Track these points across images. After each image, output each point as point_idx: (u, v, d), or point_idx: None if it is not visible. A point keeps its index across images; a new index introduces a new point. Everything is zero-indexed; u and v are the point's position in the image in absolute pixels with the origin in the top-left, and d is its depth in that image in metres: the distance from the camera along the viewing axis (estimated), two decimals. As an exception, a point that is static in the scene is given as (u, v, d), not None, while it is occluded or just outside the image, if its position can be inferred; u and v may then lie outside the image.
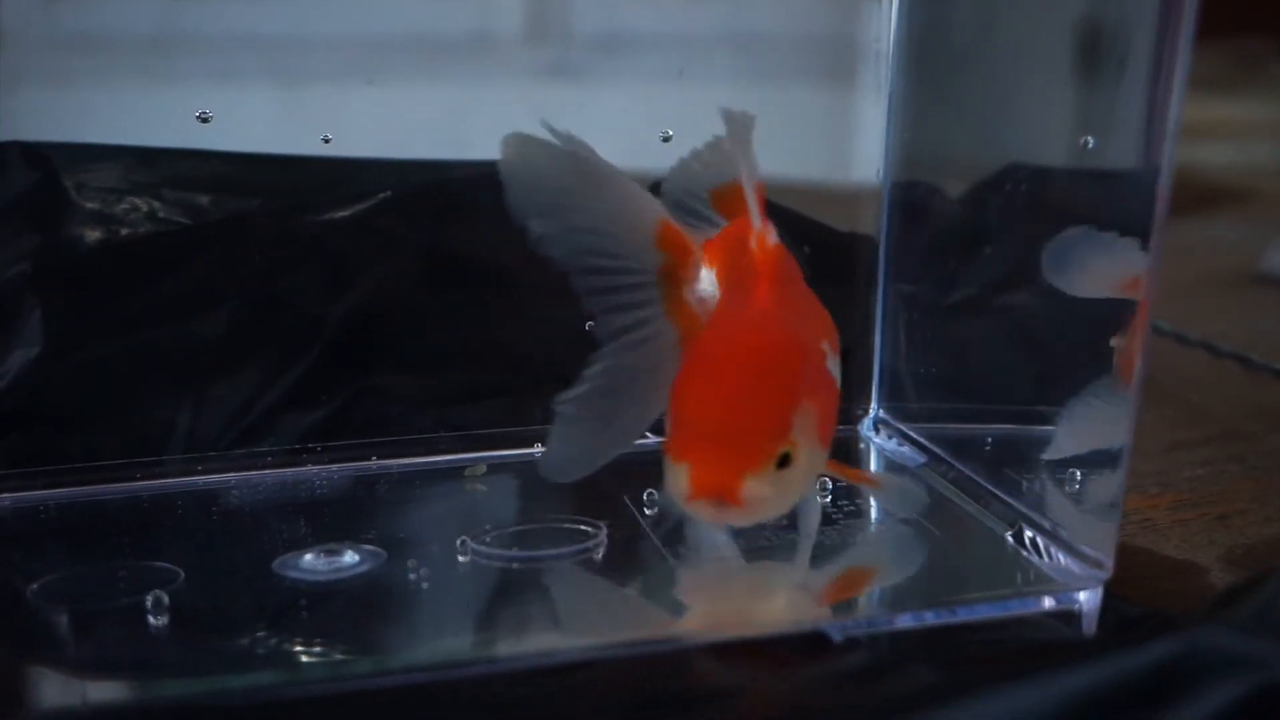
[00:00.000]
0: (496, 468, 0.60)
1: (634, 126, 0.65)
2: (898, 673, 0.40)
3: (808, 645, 0.45)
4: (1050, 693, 0.34)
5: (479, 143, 0.63)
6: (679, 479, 0.43)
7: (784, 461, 0.43)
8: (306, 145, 0.61)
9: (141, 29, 0.63)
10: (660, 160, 0.65)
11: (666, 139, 0.62)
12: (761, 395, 0.43)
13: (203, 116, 0.58)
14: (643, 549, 0.53)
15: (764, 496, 0.43)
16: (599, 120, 0.65)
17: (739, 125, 0.48)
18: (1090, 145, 0.54)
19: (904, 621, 0.46)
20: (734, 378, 0.44)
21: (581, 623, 0.49)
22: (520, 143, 0.48)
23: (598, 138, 0.63)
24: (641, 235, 0.49)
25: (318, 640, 0.46)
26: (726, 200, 0.52)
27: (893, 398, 0.64)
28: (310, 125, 0.61)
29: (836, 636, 0.45)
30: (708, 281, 0.50)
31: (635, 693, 0.42)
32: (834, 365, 0.47)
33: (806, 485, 0.47)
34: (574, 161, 0.49)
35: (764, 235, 0.48)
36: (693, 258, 0.50)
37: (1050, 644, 0.46)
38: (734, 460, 0.42)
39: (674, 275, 0.50)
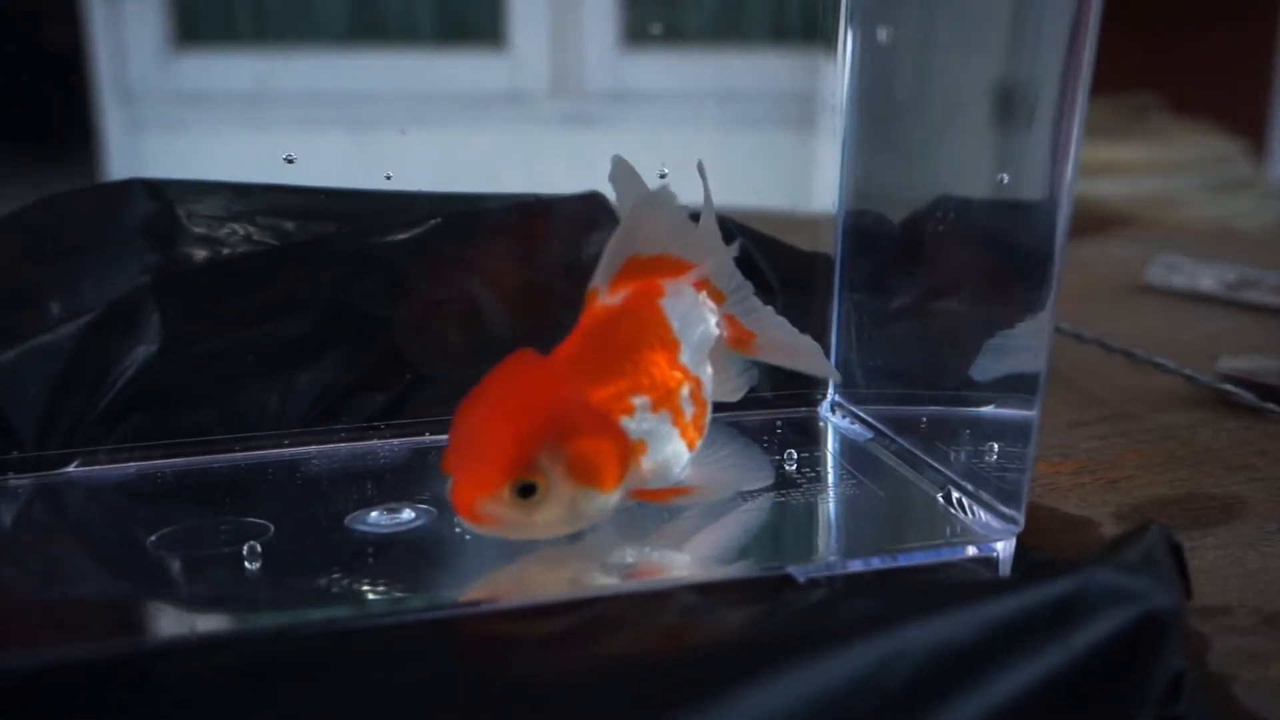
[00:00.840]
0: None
1: (640, 166, 0.65)
2: (849, 604, 0.40)
3: (778, 584, 0.45)
4: (974, 618, 0.34)
5: (512, 178, 0.64)
6: (448, 488, 0.42)
7: (527, 491, 0.41)
8: (372, 181, 0.60)
9: (240, 87, 0.63)
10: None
11: (663, 175, 0.62)
12: (507, 431, 0.42)
13: (289, 158, 0.58)
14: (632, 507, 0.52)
15: (502, 517, 0.42)
16: (607, 160, 0.66)
17: (622, 172, 0.50)
18: (1005, 181, 0.54)
19: (854, 566, 0.46)
20: (492, 413, 0.42)
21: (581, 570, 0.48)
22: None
23: (606, 176, 0.64)
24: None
25: (381, 581, 0.46)
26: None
27: (847, 385, 0.64)
28: (375, 165, 0.60)
29: (800, 577, 0.45)
30: None
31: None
32: (646, 422, 0.45)
33: (578, 517, 0.43)
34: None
35: (595, 295, 0.46)
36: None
37: (973, 582, 0.46)
38: (474, 482, 0.42)
39: None
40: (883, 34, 0.59)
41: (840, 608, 0.40)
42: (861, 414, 0.62)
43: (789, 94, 0.68)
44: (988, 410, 0.54)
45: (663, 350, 0.47)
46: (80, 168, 0.60)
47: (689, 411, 0.47)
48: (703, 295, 0.50)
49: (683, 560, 0.49)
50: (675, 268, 0.49)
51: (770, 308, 0.53)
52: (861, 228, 0.64)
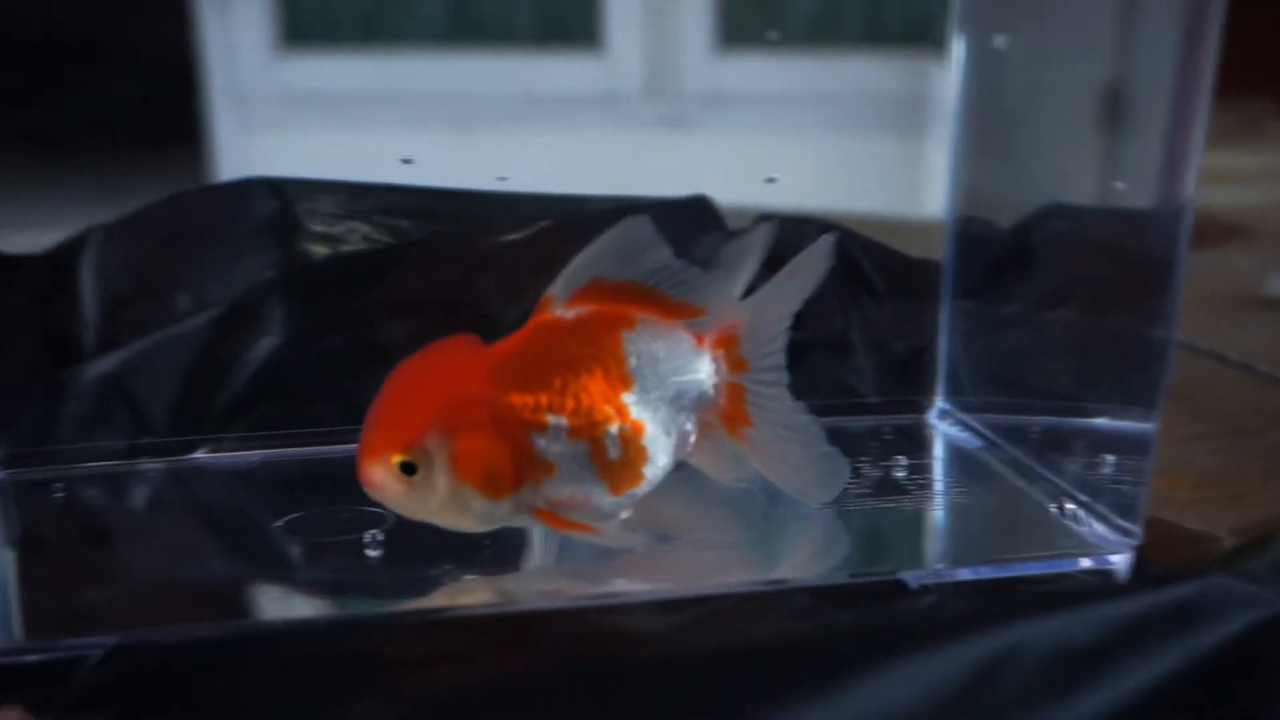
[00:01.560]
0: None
1: (736, 170, 0.66)
2: (964, 604, 0.41)
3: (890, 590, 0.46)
4: (1094, 619, 0.34)
5: (605, 181, 0.65)
6: None
7: (409, 469, 0.42)
8: (471, 181, 0.62)
9: (343, 87, 0.65)
10: (765, 198, 0.66)
11: (771, 180, 0.63)
12: (407, 407, 0.43)
13: (406, 159, 0.60)
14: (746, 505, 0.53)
15: (384, 487, 0.43)
16: (704, 163, 0.67)
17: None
18: (1121, 188, 0.54)
19: (967, 574, 0.47)
20: (404, 386, 0.44)
21: (700, 566, 0.49)
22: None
23: (703, 179, 0.65)
24: None
25: (492, 571, 0.47)
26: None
27: (954, 392, 0.65)
28: (473, 165, 0.62)
29: (913, 583, 0.46)
30: None
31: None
32: (558, 444, 0.44)
33: (463, 511, 0.43)
34: None
35: (548, 302, 0.46)
36: None
37: (1092, 588, 0.46)
38: (366, 447, 0.43)
39: None
40: (1000, 41, 0.60)
41: (955, 607, 0.41)
42: (970, 422, 0.63)
43: (894, 98, 0.68)
44: (1101, 421, 0.55)
45: (603, 380, 0.45)
46: (191, 167, 0.63)
47: (613, 452, 0.45)
48: (706, 349, 0.48)
49: (793, 563, 0.51)
50: (673, 309, 0.47)
51: (804, 413, 0.48)
52: (970, 234, 0.64)
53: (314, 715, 0.35)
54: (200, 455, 0.58)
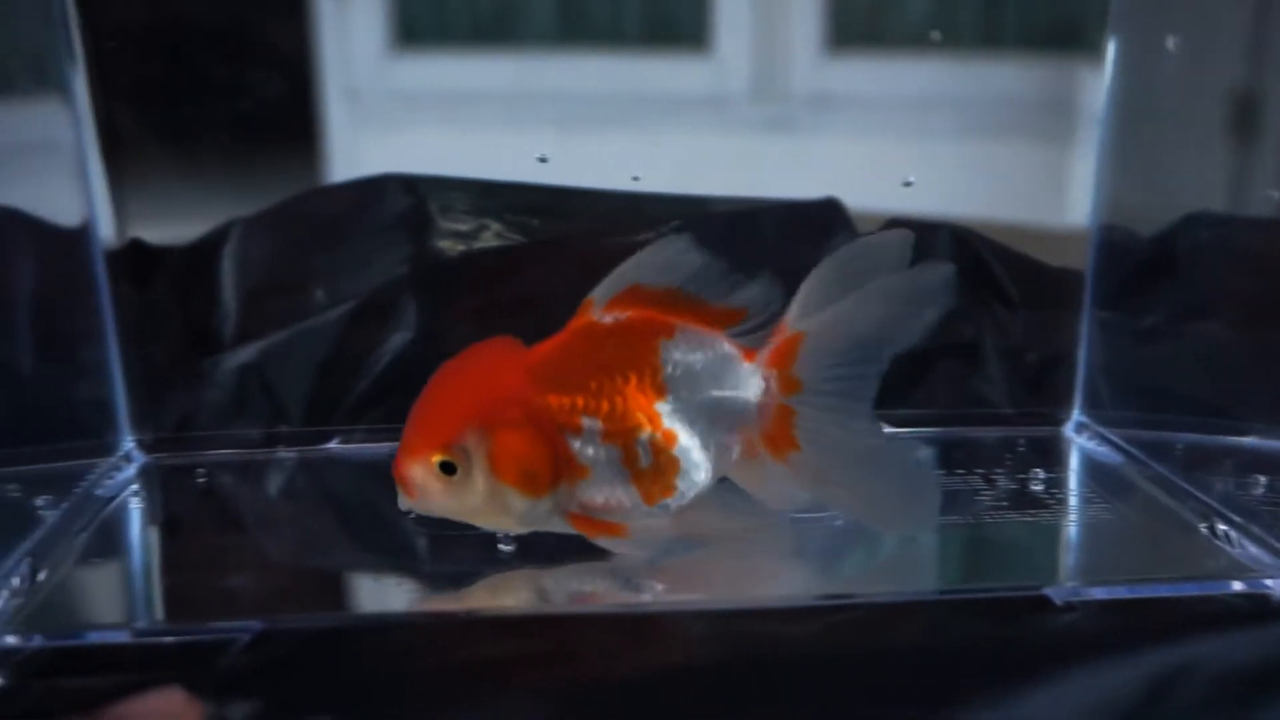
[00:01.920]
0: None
1: (849, 172, 0.65)
2: (1124, 620, 0.40)
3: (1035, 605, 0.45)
4: (1262, 640, 0.33)
5: (711, 182, 0.64)
6: None
7: (448, 469, 0.43)
8: (573, 180, 0.62)
9: (467, 88, 0.66)
10: (897, 203, 0.66)
11: (908, 184, 0.63)
12: (446, 408, 0.43)
13: (542, 158, 0.61)
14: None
15: (423, 487, 0.43)
16: (812, 167, 0.66)
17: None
18: (1277, 197, 0.52)
19: (1115, 592, 0.45)
20: (443, 389, 0.44)
21: (847, 573, 0.49)
22: None
23: (811, 182, 0.64)
24: None
25: (621, 572, 0.47)
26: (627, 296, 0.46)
27: (1092, 405, 0.63)
28: (580, 165, 0.62)
29: (1058, 599, 0.45)
30: None
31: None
32: (592, 447, 0.44)
33: (502, 511, 0.44)
34: None
35: (588, 306, 0.46)
36: None
37: (1249, 612, 0.45)
38: (406, 449, 0.43)
39: None
40: (1171, 43, 0.58)
41: (1113, 624, 0.40)
42: (1109, 436, 0.61)
43: (1026, 101, 0.67)
44: (1251, 440, 0.53)
45: (637, 387, 0.45)
46: (305, 163, 0.64)
47: (644, 459, 0.44)
48: (756, 365, 0.46)
49: (924, 575, 0.50)
50: (717, 317, 0.46)
51: (874, 438, 0.46)
52: (1112, 243, 0.63)
53: (458, 706, 0.35)
54: (333, 445, 0.59)
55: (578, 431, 0.44)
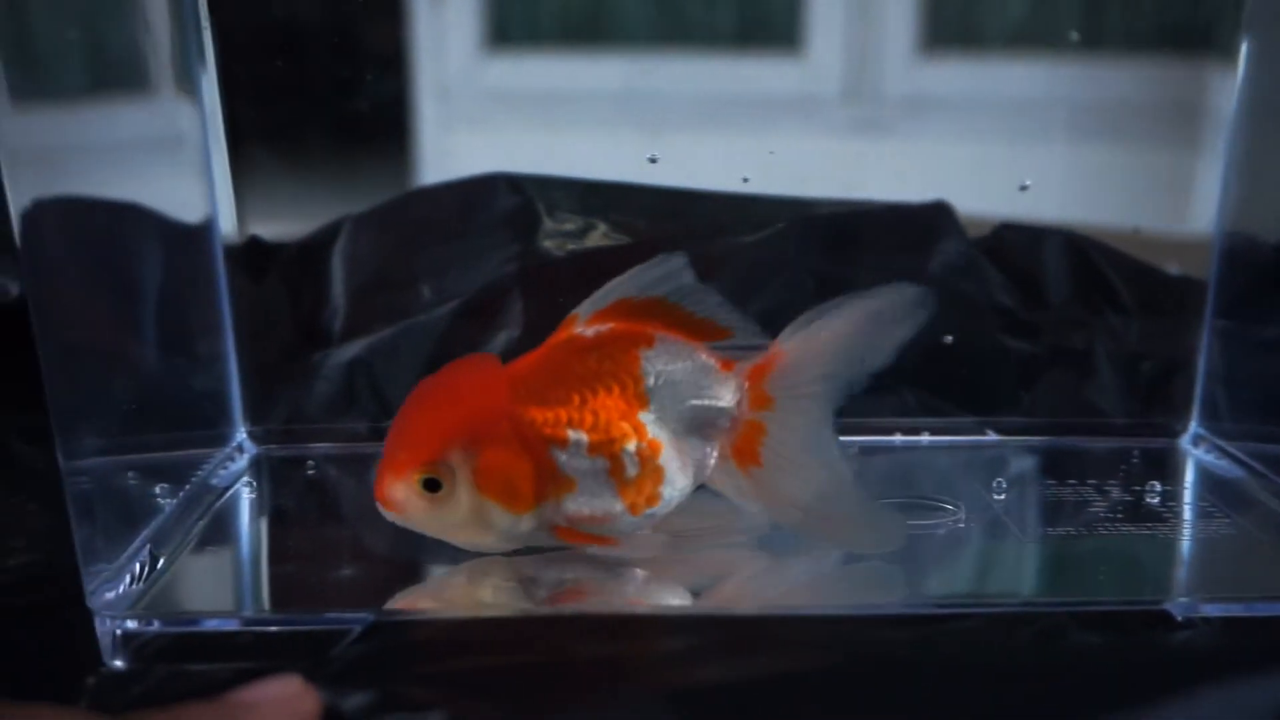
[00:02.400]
0: (865, 451, 0.60)
1: (941, 175, 0.64)
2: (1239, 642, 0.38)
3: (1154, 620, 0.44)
4: None
5: (800, 185, 0.64)
6: None
7: (432, 486, 0.42)
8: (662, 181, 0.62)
9: (557, 88, 0.66)
10: (1006, 207, 0.64)
11: (1024, 188, 0.61)
12: (428, 426, 0.43)
13: (652, 158, 0.61)
14: (997, 526, 0.52)
15: (406, 505, 0.43)
16: (912, 170, 0.65)
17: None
18: None
19: (1240, 609, 0.44)
20: (423, 406, 0.44)
21: (956, 581, 0.49)
22: None
23: (913, 185, 0.63)
24: None
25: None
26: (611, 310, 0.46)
27: (1210, 417, 0.61)
28: (670, 167, 0.61)
29: (1179, 615, 0.44)
30: None
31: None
32: (578, 460, 0.44)
33: (487, 528, 0.44)
34: None
35: (573, 320, 0.46)
36: None
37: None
38: (388, 466, 0.43)
39: None
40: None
41: (1239, 641, 0.39)
42: (1228, 448, 0.59)
43: (1140, 104, 0.65)
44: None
45: (620, 398, 0.45)
46: (398, 163, 0.65)
47: (631, 469, 0.45)
48: (734, 377, 0.46)
49: (1036, 584, 0.49)
50: (700, 329, 0.46)
51: (839, 463, 0.46)
52: (1236, 250, 0.61)
53: (572, 701, 0.35)
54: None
55: (563, 444, 0.44)
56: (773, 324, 0.61)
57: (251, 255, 0.60)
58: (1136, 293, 0.63)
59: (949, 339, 0.62)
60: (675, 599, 0.46)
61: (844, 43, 0.66)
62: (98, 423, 0.45)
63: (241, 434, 0.60)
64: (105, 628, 0.42)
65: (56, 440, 0.41)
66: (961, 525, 0.51)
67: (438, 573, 0.48)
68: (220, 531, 0.52)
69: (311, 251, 0.64)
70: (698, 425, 0.46)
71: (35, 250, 0.40)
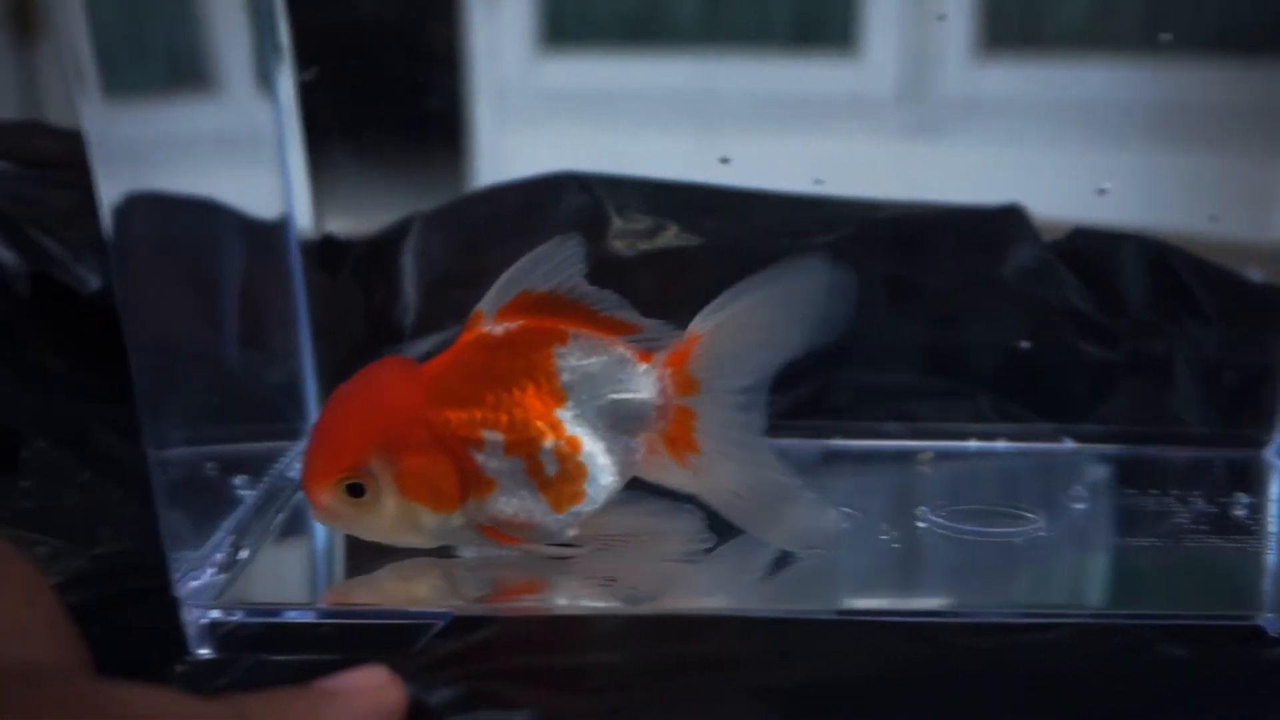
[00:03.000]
0: (941, 456, 0.60)
1: (994, 179, 0.63)
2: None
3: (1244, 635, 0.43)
4: None
5: (853, 186, 0.63)
6: None
7: (355, 490, 0.43)
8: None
9: (612, 88, 0.66)
10: (1082, 212, 0.64)
11: (1102, 191, 0.61)
12: (348, 431, 0.44)
13: (724, 158, 0.60)
14: (1076, 535, 0.52)
15: (332, 510, 0.44)
16: (956, 175, 0.64)
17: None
18: None
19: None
20: (342, 412, 0.45)
21: (1033, 591, 0.48)
22: None
23: (957, 188, 0.62)
24: None
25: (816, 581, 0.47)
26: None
27: (1297, 430, 0.60)
28: (718, 167, 0.61)
29: (1272, 630, 0.43)
30: None
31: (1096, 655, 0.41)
32: (495, 460, 0.44)
33: (416, 529, 0.44)
34: None
35: (478, 317, 0.45)
36: None
37: None
38: (310, 473, 0.44)
39: None
40: None
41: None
42: (1317, 461, 0.58)
43: (1220, 107, 0.64)
44: None
45: (535, 396, 0.44)
46: (450, 163, 0.65)
47: (550, 468, 0.44)
48: (651, 366, 0.45)
49: (1119, 595, 0.48)
50: (605, 324, 0.45)
51: (764, 450, 0.45)
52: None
53: (672, 698, 0.35)
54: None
55: (480, 445, 0.44)
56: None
57: (325, 251, 0.60)
58: (1217, 299, 0.62)
59: (1025, 344, 0.61)
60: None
61: (900, 44, 0.66)
62: (182, 414, 0.46)
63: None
64: (191, 617, 0.43)
65: (144, 430, 0.42)
66: (1041, 534, 0.51)
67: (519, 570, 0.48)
68: (299, 524, 0.52)
69: (382, 248, 0.65)
70: (620, 419, 0.45)
71: (124, 244, 0.41)
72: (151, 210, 0.44)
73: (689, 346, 0.45)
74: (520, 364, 0.44)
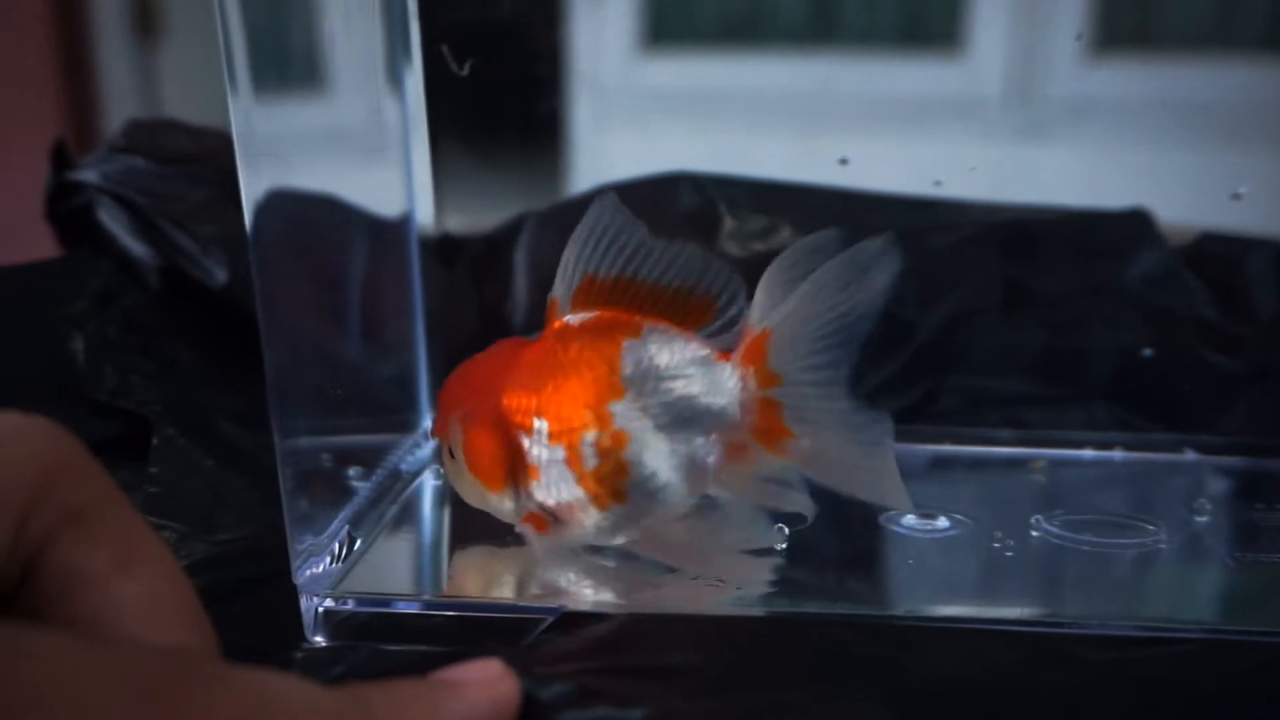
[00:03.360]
0: (1055, 464, 0.59)
1: (1100, 185, 0.62)
2: None
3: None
4: None
5: (958, 189, 0.62)
6: None
7: (450, 452, 0.46)
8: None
9: (713, 88, 0.66)
10: (1214, 216, 0.62)
11: (1236, 197, 0.59)
12: (446, 400, 0.47)
13: (842, 159, 0.60)
14: (1200, 548, 0.50)
15: (443, 458, 0.48)
16: (1070, 178, 0.63)
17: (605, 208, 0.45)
18: None
19: None
20: (449, 383, 0.48)
21: (1154, 605, 0.47)
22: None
23: (1072, 192, 0.61)
24: None
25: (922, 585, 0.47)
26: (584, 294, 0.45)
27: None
28: (820, 168, 0.60)
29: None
30: None
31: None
32: (539, 448, 0.44)
33: (477, 497, 0.46)
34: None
35: (554, 306, 0.45)
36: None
37: None
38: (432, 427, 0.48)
39: None
40: None
41: None
42: None
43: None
44: None
45: (591, 387, 0.43)
46: (550, 162, 0.65)
47: (590, 460, 0.43)
48: (731, 365, 0.44)
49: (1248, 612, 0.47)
50: (689, 311, 0.44)
51: (861, 414, 0.44)
52: None
53: (777, 702, 0.35)
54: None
55: (529, 431, 0.44)
56: (963, 330, 0.61)
57: (443, 248, 0.62)
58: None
59: (1147, 352, 0.60)
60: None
61: (1007, 43, 0.65)
62: (307, 406, 0.47)
63: (428, 421, 0.62)
64: (309, 604, 0.44)
65: (273, 420, 0.43)
66: (1162, 546, 0.50)
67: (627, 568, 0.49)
68: (412, 516, 0.53)
69: (496, 245, 0.66)
70: (690, 419, 0.44)
71: (263, 239, 0.42)
72: (286, 206, 0.45)
73: (763, 342, 0.44)
74: (585, 354, 0.44)
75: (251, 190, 0.41)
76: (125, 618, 0.29)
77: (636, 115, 0.67)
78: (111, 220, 0.66)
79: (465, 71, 0.58)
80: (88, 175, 0.67)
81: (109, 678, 0.25)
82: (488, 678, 0.35)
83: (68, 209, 0.69)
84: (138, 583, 0.30)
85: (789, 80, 0.64)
